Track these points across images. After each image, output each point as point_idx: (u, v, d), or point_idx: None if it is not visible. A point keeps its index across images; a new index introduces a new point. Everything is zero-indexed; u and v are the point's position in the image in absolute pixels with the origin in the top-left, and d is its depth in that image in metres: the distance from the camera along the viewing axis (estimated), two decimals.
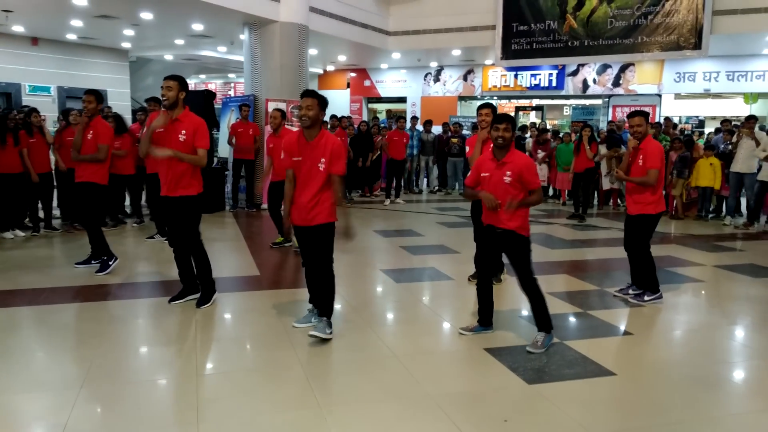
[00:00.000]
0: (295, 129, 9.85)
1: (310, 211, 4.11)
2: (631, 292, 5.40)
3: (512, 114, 17.71)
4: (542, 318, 4.18)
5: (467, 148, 5.70)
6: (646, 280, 5.29)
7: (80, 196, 5.87)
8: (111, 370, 3.71)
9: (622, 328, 4.70)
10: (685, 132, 13.48)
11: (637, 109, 5.40)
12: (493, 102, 18.14)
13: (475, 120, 15.06)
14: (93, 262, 6.04)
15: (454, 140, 13.25)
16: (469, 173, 4.46)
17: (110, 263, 5.88)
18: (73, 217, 8.11)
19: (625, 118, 13.32)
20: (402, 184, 12.57)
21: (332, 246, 4.25)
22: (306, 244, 4.31)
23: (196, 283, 4.99)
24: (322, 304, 4.26)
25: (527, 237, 4.19)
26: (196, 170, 4.71)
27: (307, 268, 4.41)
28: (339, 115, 12.75)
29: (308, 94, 4.18)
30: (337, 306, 4.95)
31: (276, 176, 6.83)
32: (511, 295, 5.39)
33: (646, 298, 5.27)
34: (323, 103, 4.19)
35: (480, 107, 5.33)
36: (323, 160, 4.08)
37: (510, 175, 4.09)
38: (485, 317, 4.43)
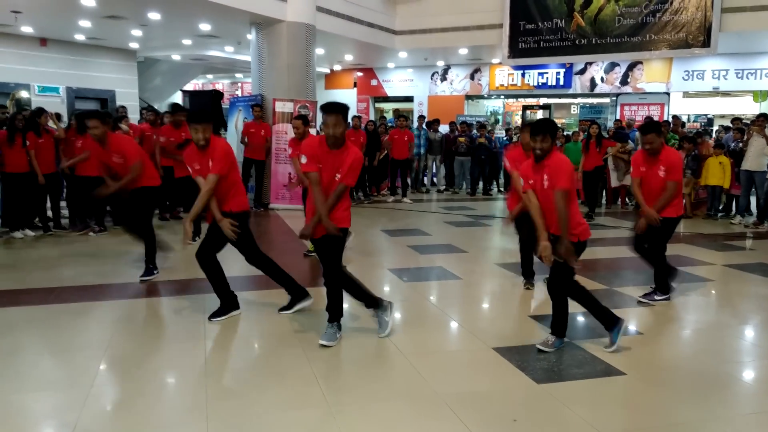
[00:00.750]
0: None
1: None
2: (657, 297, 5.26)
3: (519, 112, 17.68)
4: (563, 322, 4.12)
5: (507, 162, 5.51)
6: (659, 281, 5.25)
7: (134, 203, 5.62)
8: (121, 368, 3.74)
9: (632, 327, 4.68)
10: (693, 131, 13.40)
11: (649, 121, 5.27)
12: (501, 101, 18.15)
13: (480, 119, 15.06)
14: (154, 271, 5.75)
15: (462, 139, 13.22)
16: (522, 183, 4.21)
17: (155, 272, 5.74)
18: (81, 218, 8.14)
19: (634, 117, 13.25)
20: (408, 183, 12.55)
21: (341, 253, 4.19)
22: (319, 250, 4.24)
23: (233, 296, 4.78)
24: (331, 308, 4.22)
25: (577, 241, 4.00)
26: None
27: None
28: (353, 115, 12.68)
29: (331, 109, 3.98)
30: (345, 305, 4.95)
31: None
32: (520, 297, 5.37)
33: (656, 297, 5.24)
34: (346, 115, 4.08)
35: (523, 127, 5.47)
36: (341, 170, 4.00)
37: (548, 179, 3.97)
38: (560, 328, 4.17)
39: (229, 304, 4.69)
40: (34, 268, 6.07)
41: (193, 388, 3.44)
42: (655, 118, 12.99)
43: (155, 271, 5.76)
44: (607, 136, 10.88)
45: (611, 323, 4.09)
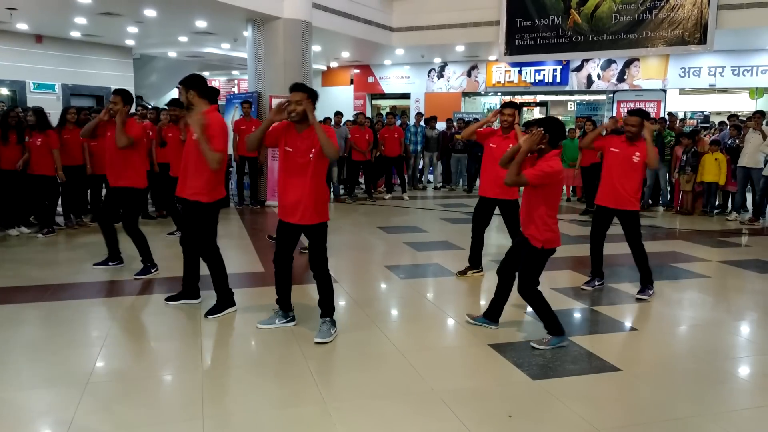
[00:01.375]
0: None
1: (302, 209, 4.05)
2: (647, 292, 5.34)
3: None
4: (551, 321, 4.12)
5: (490, 143, 5.68)
6: (645, 275, 5.33)
7: (119, 201, 5.66)
8: (117, 365, 3.73)
9: (627, 324, 4.70)
10: (691, 127, 13.41)
11: (637, 108, 5.43)
12: (498, 98, 18.14)
13: (477, 116, 15.05)
14: (152, 269, 5.79)
15: (458, 136, 13.21)
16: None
17: (152, 270, 5.77)
18: (76, 214, 8.15)
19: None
20: (406, 179, 12.53)
21: (325, 245, 4.19)
22: (292, 240, 4.23)
23: (196, 288, 4.88)
24: (323, 303, 4.22)
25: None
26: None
27: (284, 263, 4.30)
28: (340, 112, 12.62)
29: (297, 88, 4.00)
30: (341, 302, 4.97)
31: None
32: (516, 294, 5.37)
33: (649, 292, 5.26)
34: (314, 96, 4.05)
35: (503, 106, 5.58)
36: (313, 151, 3.99)
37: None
38: (495, 312, 4.41)
39: (225, 300, 4.68)
40: (29, 266, 6.06)
41: (189, 385, 3.44)
42: (652, 115, 12.99)
43: (153, 269, 5.76)
44: (604, 133, 10.87)
45: (556, 332, 4.08)
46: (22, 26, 12.77)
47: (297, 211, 4.05)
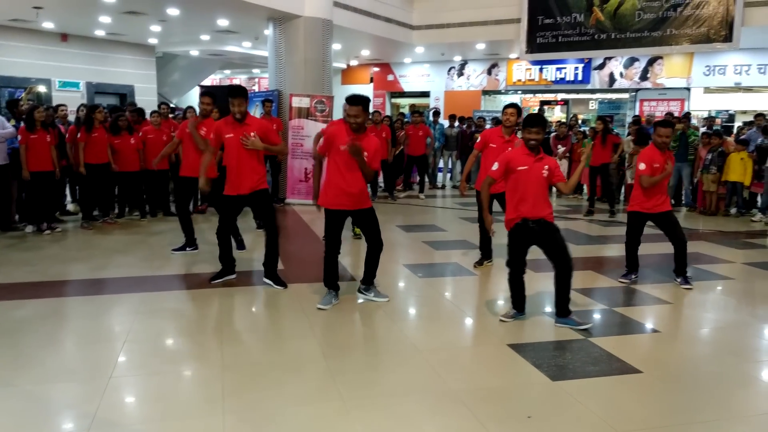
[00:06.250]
0: (318, 123, 9.94)
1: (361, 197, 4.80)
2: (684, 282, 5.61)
3: (538, 108, 17.54)
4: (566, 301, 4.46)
5: (478, 138, 6.13)
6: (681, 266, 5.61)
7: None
8: (139, 360, 3.79)
9: (649, 325, 4.64)
10: (714, 127, 13.20)
11: (666, 118, 5.72)
12: (518, 96, 18.03)
13: (496, 114, 14.96)
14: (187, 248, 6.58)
15: (478, 135, 13.12)
16: (497, 167, 4.51)
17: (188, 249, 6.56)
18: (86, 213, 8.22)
19: (654, 113, 13.11)
20: (426, 179, 12.49)
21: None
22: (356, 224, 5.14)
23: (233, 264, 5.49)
24: (372, 271, 5.02)
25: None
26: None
27: (334, 251, 4.88)
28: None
29: (355, 101, 4.58)
30: (359, 301, 4.99)
31: None
32: (536, 293, 5.34)
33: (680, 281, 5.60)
34: (368, 107, 4.70)
35: (505, 107, 5.95)
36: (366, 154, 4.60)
37: (547, 170, 4.40)
38: (521, 304, 4.62)
39: (227, 269, 5.42)
40: (53, 262, 6.17)
41: (209, 381, 3.47)
42: (675, 114, 12.81)
43: (188, 248, 6.55)
44: (615, 132, 10.81)
45: (519, 307, 4.60)
46: (48, 25, 12.98)
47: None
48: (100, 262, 6.13)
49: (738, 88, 14.99)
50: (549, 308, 4.95)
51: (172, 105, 11.21)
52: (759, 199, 9.93)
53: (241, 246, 6.48)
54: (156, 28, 13.18)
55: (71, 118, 9.89)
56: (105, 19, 12.30)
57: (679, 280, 5.60)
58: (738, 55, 14.12)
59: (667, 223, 5.52)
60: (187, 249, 6.57)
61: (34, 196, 7.48)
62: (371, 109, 14.03)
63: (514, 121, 5.85)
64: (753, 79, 14.46)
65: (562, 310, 4.44)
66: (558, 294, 4.43)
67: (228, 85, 12.50)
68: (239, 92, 5.00)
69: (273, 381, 3.49)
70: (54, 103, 10.85)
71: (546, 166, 4.41)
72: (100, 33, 13.98)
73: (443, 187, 13.72)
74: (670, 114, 11.95)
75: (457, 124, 13.73)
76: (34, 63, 13.66)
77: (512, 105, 5.96)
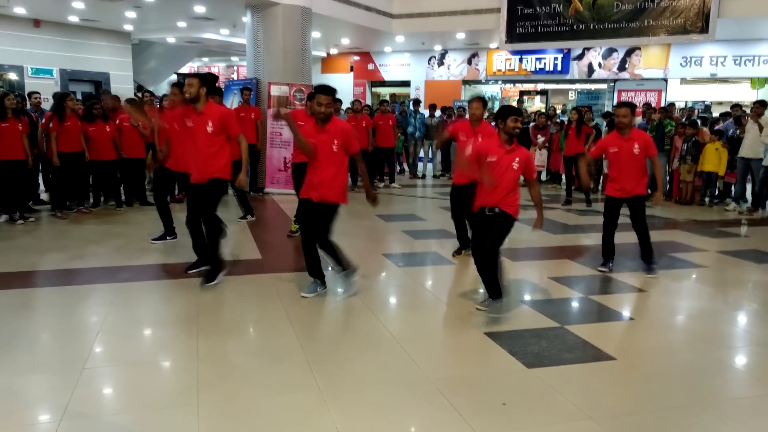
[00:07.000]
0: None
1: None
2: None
3: (517, 98, 17.62)
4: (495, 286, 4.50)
5: (460, 136, 5.98)
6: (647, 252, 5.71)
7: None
8: (112, 351, 3.74)
9: (624, 313, 4.70)
10: (692, 117, 13.35)
11: (625, 100, 5.76)
12: (498, 86, 18.07)
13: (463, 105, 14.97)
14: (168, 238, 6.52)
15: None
16: (470, 152, 4.61)
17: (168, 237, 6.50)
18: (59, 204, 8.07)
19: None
20: (396, 167, 12.44)
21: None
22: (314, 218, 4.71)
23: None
24: (337, 263, 4.85)
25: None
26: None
27: (310, 241, 4.75)
28: (339, 99, 12.46)
29: (323, 91, 4.52)
30: (339, 290, 4.97)
31: (298, 158, 6.74)
32: (513, 282, 5.38)
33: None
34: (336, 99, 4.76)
35: (470, 100, 6.03)
36: (336, 142, 4.54)
37: (518, 162, 4.40)
38: (495, 290, 4.54)
39: (202, 259, 5.34)
40: (26, 252, 6.05)
41: (185, 372, 3.44)
42: (653, 105, 12.92)
43: (168, 237, 6.48)
44: (592, 123, 10.91)
45: (496, 295, 4.50)
46: (19, 10, 12.66)
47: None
48: (74, 252, 6.03)
49: (714, 79, 15.17)
50: (527, 296, 4.99)
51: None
52: (733, 188, 10.09)
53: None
54: (131, 14, 12.93)
55: (45, 105, 9.69)
56: (78, 5, 12.02)
57: (645, 268, 5.73)
58: (714, 47, 14.27)
59: (633, 209, 5.62)
60: (168, 238, 6.49)
61: (6, 186, 7.33)
62: (351, 99, 14.05)
63: (480, 114, 5.88)
64: (729, 70, 14.65)
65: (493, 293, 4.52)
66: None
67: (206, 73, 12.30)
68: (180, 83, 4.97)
69: (249, 371, 3.46)
70: (27, 91, 10.60)
71: (517, 159, 4.40)
72: (73, 19, 13.67)
73: (423, 176, 13.73)
74: (647, 105, 12.06)
75: (437, 113, 13.72)
76: (5, 50, 13.32)
77: (478, 98, 5.99)
